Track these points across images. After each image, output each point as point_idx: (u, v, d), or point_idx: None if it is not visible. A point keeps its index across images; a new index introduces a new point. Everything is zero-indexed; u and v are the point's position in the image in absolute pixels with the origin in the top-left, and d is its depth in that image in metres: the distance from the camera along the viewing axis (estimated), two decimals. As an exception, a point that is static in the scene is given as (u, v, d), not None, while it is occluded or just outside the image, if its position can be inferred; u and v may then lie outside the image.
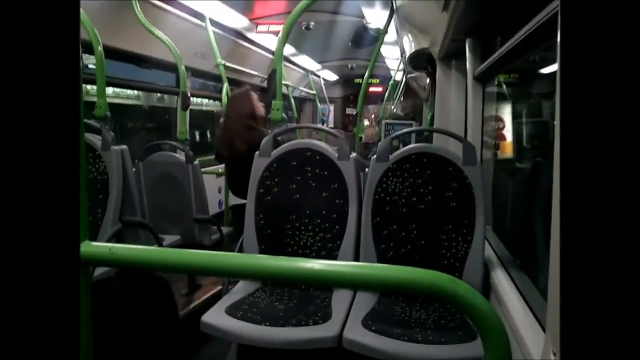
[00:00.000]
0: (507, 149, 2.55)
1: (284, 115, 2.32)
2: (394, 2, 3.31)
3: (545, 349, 0.89)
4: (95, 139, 2.34)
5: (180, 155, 3.23)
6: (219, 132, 3.03)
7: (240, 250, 2.21)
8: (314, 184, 2.14)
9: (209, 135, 5.76)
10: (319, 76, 8.70)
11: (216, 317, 1.77)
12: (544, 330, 1.17)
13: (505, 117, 2.56)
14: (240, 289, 2.03)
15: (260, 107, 2.72)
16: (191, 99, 3.73)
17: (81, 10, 0.72)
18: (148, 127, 4.95)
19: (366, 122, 10.58)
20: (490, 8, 1.95)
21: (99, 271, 2.02)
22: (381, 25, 3.98)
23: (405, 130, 2.33)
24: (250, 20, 4.67)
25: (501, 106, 2.57)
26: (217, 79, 4.63)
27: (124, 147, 2.41)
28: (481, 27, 2.22)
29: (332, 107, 10.42)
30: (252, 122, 2.63)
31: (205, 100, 5.59)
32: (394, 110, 7.74)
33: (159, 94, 4.82)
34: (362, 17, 4.56)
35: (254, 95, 2.73)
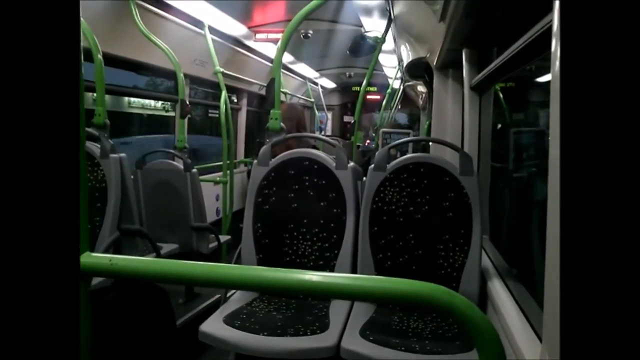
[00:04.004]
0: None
1: (282, 124, 2.33)
2: (391, 11, 3.34)
3: (541, 358, 0.89)
4: (93, 147, 2.35)
5: (179, 163, 3.24)
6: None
7: (238, 259, 2.21)
8: (311, 193, 2.14)
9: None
10: (317, 84, 8.72)
11: (214, 326, 1.77)
12: (540, 339, 1.18)
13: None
14: (239, 298, 2.03)
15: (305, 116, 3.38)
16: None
17: (81, 18, 0.73)
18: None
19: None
20: (486, 19, 1.97)
21: (96, 279, 2.01)
22: (379, 34, 4.00)
23: (402, 140, 2.33)
24: (249, 28, 4.69)
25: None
26: (215, 86, 4.64)
27: (123, 155, 2.42)
28: (478, 38, 2.24)
29: (330, 115, 10.41)
30: (302, 129, 3.12)
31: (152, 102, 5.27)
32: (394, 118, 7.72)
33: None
34: (360, 25, 4.59)
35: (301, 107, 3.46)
